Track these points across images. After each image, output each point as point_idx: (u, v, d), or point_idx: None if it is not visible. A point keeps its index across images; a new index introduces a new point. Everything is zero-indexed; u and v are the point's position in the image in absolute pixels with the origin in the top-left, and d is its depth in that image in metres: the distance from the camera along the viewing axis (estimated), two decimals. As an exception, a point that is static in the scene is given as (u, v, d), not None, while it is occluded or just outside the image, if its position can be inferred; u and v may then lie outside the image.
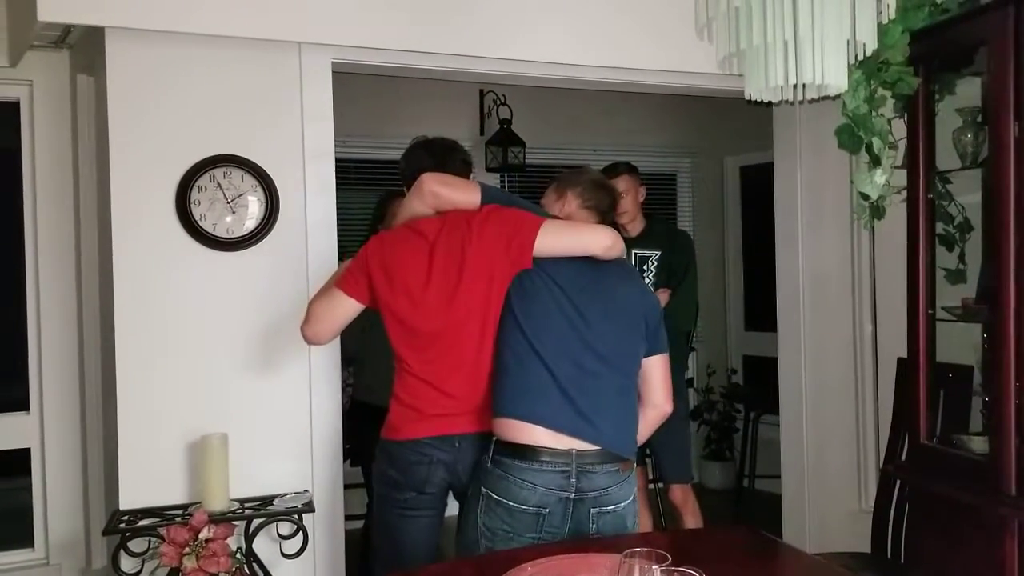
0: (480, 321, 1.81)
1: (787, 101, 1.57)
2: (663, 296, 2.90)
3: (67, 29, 2.39)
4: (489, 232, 1.80)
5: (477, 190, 1.86)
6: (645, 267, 3.01)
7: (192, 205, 2.23)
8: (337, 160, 2.44)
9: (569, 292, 1.78)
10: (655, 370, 1.87)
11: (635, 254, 3.01)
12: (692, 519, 2.97)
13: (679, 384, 3.08)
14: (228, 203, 2.27)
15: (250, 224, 2.30)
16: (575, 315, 1.77)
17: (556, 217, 1.91)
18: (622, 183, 2.98)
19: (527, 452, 1.69)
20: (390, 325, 1.87)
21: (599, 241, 1.81)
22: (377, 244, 1.90)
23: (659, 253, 3.00)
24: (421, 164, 1.95)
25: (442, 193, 1.84)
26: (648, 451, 3.12)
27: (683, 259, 2.98)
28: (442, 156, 1.97)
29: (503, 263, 1.79)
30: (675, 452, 3.00)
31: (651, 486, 3.38)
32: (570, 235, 1.82)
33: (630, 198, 3.00)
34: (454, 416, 1.82)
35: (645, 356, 1.86)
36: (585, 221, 1.94)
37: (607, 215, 2.00)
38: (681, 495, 2.98)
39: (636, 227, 3.05)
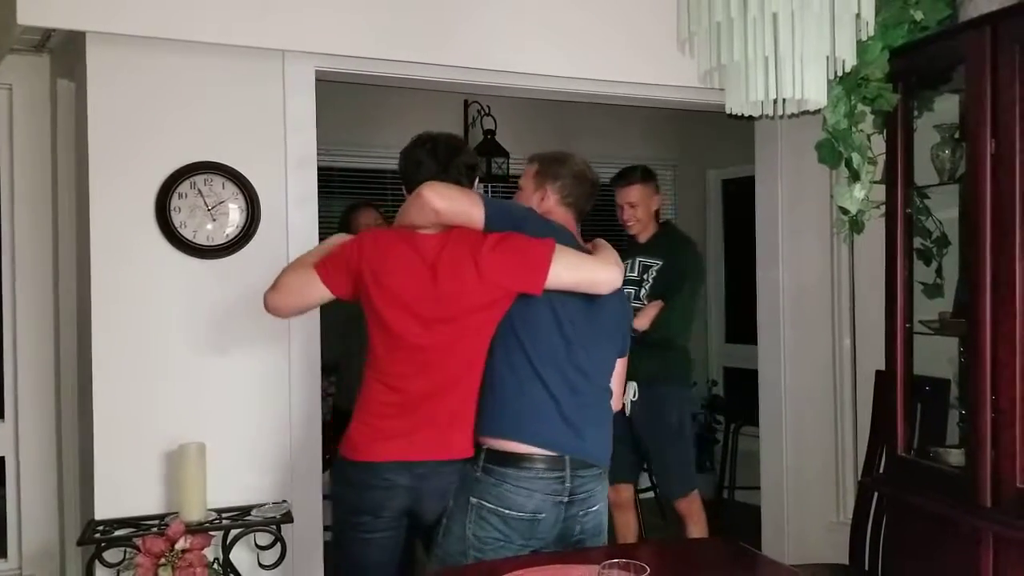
0: (474, 344, 1.78)
1: (767, 115, 1.59)
2: (653, 309, 2.84)
3: (47, 33, 2.37)
4: (498, 263, 1.74)
5: (480, 207, 1.76)
6: (645, 276, 2.94)
7: (172, 212, 2.21)
8: (320, 168, 2.42)
9: (567, 312, 1.78)
10: (616, 371, 1.91)
11: (639, 262, 2.96)
12: (696, 528, 2.94)
13: (677, 397, 2.94)
14: (209, 210, 2.25)
15: (231, 232, 2.28)
16: (574, 337, 1.78)
17: (551, 226, 1.85)
18: (634, 193, 2.93)
19: (523, 460, 1.71)
20: (375, 332, 1.83)
21: (608, 282, 1.79)
22: (372, 246, 1.81)
23: (660, 263, 2.93)
24: (422, 167, 1.84)
25: (444, 211, 1.74)
26: (647, 467, 3.08)
27: (678, 272, 2.90)
28: (446, 161, 1.85)
29: (509, 294, 1.76)
30: (672, 467, 2.95)
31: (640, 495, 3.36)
32: (580, 274, 1.76)
33: (641, 208, 2.94)
34: (416, 434, 1.77)
35: None
36: (563, 218, 1.92)
37: (584, 210, 1.98)
38: (686, 505, 2.95)
39: (646, 235, 2.99)
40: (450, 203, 1.75)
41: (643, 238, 2.99)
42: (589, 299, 1.80)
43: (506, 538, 1.68)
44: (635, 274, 2.96)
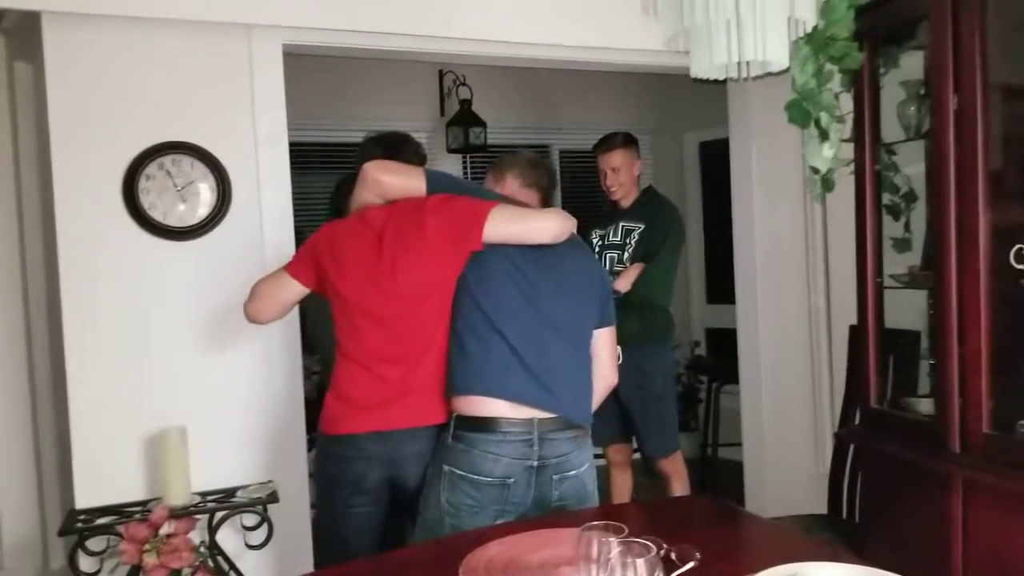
0: (432, 308, 1.82)
1: (732, 78, 1.59)
2: (634, 271, 2.91)
3: (0, 14, 2.30)
4: (439, 221, 1.79)
5: (421, 176, 1.86)
6: (628, 240, 2.98)
7: (140, 194, 2.19)
8: (295, 143, 2.40)
9: (523, 267, 1.80)
10: (602, 342, 1.91)
11: (621, 226, 3.01)
12: (680, 485, 3.02)
13: (660, 358, 3.00)
14: (178, 191, 2.23)
15: (202, 212, 2.26)
16: (529, 289, 1.80)
17: (504, 198, 1.91)
18: (617, 158, 2.99)
19: (489, 424, 1.71)
20: (336, 308, 1.88)
21: (547, 229, 1.82)
22: (328, 231, 1.91)
23: (642, 227, 2.98)
24: (371, 156, 1.95)
25: (384, 180, 1.85)
26: (631, 429, 3.10)
27: (661, 234, 2.95)
28: (393, 149, 1.98)
29: (454, 252, 1.80)
30: (655, 428, 2.99)
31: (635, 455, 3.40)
32: (518, 224, 1.81)
33: (624, 173, 2.99)
34: (390, 405, 1.80)
35: (594, 328, 1.89)
36: (527, 200, 1.97)
37: (548, 191, 2.04)
38: (669, 465, 3.02)
39: (628, 200, 3.04)
40: (391, 174, 1.86)
41: (626, 203, 3.04)
42: (543, 252, 1.83)
43: (479, 504, 1.70)
44: (618, 238, 3.00)
